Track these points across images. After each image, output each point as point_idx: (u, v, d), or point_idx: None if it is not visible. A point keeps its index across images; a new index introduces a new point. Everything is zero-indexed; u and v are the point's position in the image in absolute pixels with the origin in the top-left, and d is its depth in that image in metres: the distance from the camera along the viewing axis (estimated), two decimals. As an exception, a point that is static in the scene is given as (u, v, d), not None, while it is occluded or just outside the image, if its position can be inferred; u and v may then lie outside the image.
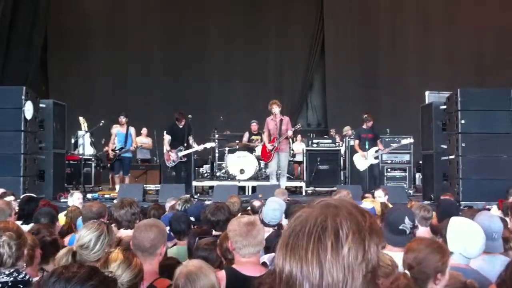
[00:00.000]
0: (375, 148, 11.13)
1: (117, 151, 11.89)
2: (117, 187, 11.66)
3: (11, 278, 2.80)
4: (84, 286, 1.37)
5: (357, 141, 11.31)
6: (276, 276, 1.16)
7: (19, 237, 2.95)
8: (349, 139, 13.07)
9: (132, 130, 12.06)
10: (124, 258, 2.51)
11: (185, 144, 11.16)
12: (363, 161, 11.10)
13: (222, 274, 3.10)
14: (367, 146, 11.09)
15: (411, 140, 12.00)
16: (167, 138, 11.38)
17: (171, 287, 2.84)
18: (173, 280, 2.68)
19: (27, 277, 2.87)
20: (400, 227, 3.25)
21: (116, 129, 12.09)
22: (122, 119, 11.95)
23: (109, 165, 12.68)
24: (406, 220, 3.29)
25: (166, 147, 11.36)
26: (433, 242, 2.85)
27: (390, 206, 5.86)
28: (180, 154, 11.09)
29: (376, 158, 11.17)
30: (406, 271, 2.60)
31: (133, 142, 12.03)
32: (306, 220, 1.15)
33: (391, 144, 11.94)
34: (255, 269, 3.11)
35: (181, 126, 11.25)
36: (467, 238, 3.25)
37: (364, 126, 11.26)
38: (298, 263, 1.10)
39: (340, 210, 1.16)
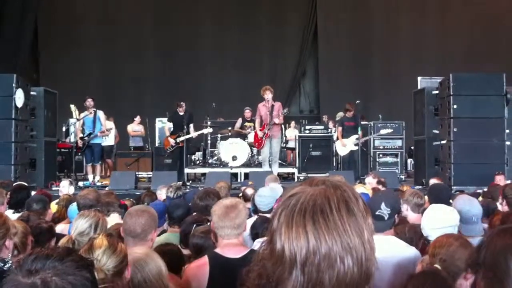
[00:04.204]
0: (355, 136, 11.68)
1: (86, 138, 11.28)
2: (90, 177, 11.42)
3: None
4: (64, 261, 1.36)
5: (340, 128, 11.91)
6: (278, 260, 1.12)
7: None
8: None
9: (100, 114, 11.45)
10: (108, 244, 2.49)
11: (184, 131, 11.22)
12: (343, 148, 11.76)
13: (205, 259, 3.11)
14: (359, 132, 11.74)
15: (390, 130, 12.67)
16: (167, 125, 11.92)
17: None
18: None
19: (13, 266, 2.82)
20: (377, 213, 3.23)
21: (83, 115, 11.42)
22: (91, 102, 11.28)
23: (79, 154, 12.14)
24: (383, 205, 3.24)
25: (166, 134, 11.84)
26: (460, 236, 2.86)
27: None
28: (178, 139, 11.22)
29: (356, 145, 11.73)
30: (437, 265, 2.59)
31: (103, 127, 11.39)
32: (310, 196, 1.14)
33: (381, 131, 12.47)
34: (236, 250, 3.13)
35: (181, 114, 11.42)
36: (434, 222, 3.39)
37: (348, 115, 11.82)
38: (319, 239, 1.09)
39: (338, 183, 1.19)
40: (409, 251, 3.16)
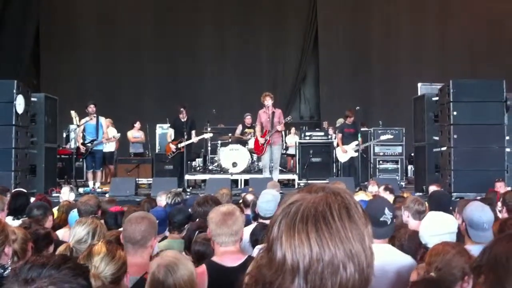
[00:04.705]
0: (356, 142, 11.73)
1: (89, 144, 11.28)
2: (90, 183, 11.42)
3: None
4: (60, 269, 1.36)
5: (340, 135, 11.91)
6: (279, 269, 1.11)
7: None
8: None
9: (102, 120, 11.52)
10: (107, 251, 2.48)
11: (186, 137, 11.21)
12: (343, 154, 11.76)
13: (203, 268, 3.11)
14: (359, 139, 11.75)
15: (390, 136, 12.59)
16: (170, 131, 11.85)
17: None
18: (149, 273, 2.58)
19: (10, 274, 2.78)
20: (382, 219, 3.22)
21: (84, 121, 11.44)
22: (93, 107, 11.27)
23: (80, 160, 12.20)
24: (386, 211, 3.25)
25: (168, 140, 11.78)
26: (457, 244, 2.85)
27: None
28: (179, 145, 11.22)
29: (356, 151, 11.76)
30: (432, 274, 2.58)
31: (104, 133, 11.45)
32: (312, 204, 1.13)
33: (381, 137, 12.36)
34: (233, 258, 3.14)
35: (183, 120, 11.37)
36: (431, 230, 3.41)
37: (348, 122, 11.85)
38: (322, 247, 1.08)
39: (337, 190, 1.18)
40: (404, 259, 3.15)
